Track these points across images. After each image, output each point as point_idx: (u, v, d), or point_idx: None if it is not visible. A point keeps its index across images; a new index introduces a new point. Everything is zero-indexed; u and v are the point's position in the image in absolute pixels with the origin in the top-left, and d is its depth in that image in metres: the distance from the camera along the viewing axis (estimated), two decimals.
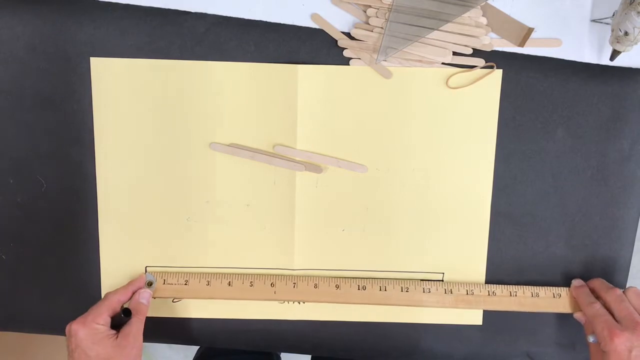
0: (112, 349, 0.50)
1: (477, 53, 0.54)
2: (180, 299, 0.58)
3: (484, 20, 0.53)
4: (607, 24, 0.52)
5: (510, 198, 0.57)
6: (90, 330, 0.50)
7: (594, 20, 0.54)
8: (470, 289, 0.57)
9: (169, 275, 0.56)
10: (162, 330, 0.59)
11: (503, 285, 0.58)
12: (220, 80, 0.54)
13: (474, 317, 0.59)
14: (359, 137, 0.56)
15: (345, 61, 0.54)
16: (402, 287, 0.57)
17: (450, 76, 0.54)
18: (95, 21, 0.53)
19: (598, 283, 0.56)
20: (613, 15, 0.50)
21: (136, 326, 0.52)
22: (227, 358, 0.74)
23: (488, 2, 0.52)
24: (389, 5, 0.52)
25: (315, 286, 0.56)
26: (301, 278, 0.57)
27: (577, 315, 0.56)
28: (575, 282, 0.57)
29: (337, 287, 0.56)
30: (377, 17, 0.52)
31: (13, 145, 0.56)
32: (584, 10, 0.54)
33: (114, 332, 0.51)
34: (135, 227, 0.57)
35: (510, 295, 0.57)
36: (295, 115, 0.55)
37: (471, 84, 0.55)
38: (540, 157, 0.56)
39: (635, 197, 0.57)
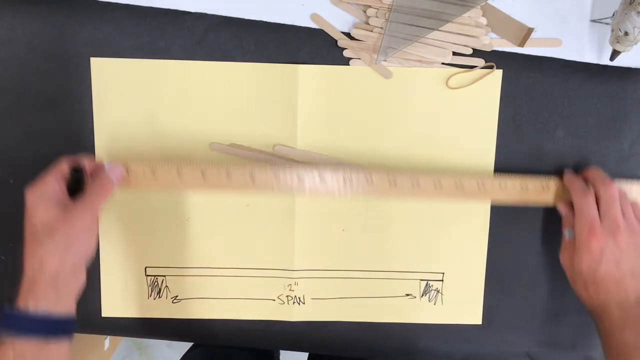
0: (57, 214, 0.45)
1: (477, 53, 0.54)
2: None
3: (484, 20, 0.53)
4: (607, 24, 0.52)
5: None
6: (38, 192, 0.46)
7: (594, 20, 0.54)
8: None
9: (132, 163, 0.53)
10: (163, 329, 0.59)
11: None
12: (220, 80, 0.54)
13: (474, 317, 0.60)
14: (359, 137, 0.56)
15: (345, 61, 0.54)
16: (390, 181, 0.54)
17: (450, 76, 0.54)
18: (95, 21, 0.53)
19: (595, 173, 0.53)
20: (613, 15, 0.50)
21: (93, 198, 0.47)
22: (225, 352, 0.73)
23: (488, 2, 0.52)
24: (389, 5, 0.52)
25: (299, 179, 0.53)
26: (283, 171, 0.54)
27: (561, 207, 0.55)
28: (568, 172, 0.55)
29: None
30: (377, 17, 0.52)
31: (13, 145, 0.56)
32: (584, 10, 0.54)
33: (64, 199, 0.47)
34: (135, 227, 0.57)
35: (500, 187, 0.54)
36: (295, 115, 0.55)
37: (471, 84, 0.55)
38: (540, 157, 0.56)
39: None
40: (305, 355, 0.83)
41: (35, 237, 0.45)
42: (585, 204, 0.51)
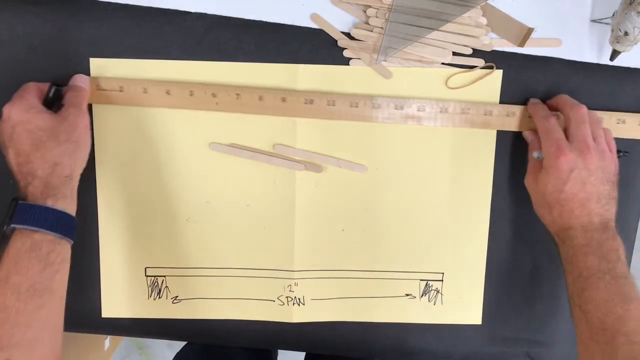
0: (53, 120, 0.47)
1: (477, 53, 0.54)
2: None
3: (484, 20, 0.53)
4: (607, 24, 0.52)
5: (510, 198, 0.57)
6: (23, 105, 0.47)
7: (594, 20, 0.54)
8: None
9: (102, 80, 0.53)
10: (163, 329, 0.59)
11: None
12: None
13: (474, 317, 0.60)
14: (359, 137, 0.56)
15: (345, 61, 0.54)
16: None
17: (450, 76, 0.54)
18: (95, 21, 0.53)
19: (564, 99, 0.53)
20: (613, 15, 0.50)
21: (77, 101, 0.50)
22: (222, 348, 0.73)
23: (488, 2, 0.52)
24: (389, 5, 0.52)
25: (260, 98, 0.54)
26: (244, 89, 0.54)
27: (526, 133, 0.54)
28: (533, 100, 0.54)
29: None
30: (377, 17, 0.52)
31: None
32: (584, 10, 0.54)
33: (47, 110, 0.48)
34: (135, 227, 0.57)
35: (463, 112, 0.54)
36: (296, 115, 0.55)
37: (471, 84, 0.55)
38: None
39: (635, 197, 0.57)
40: (303, 354, 0.83)
41: (39, 143, 0.46)
42: (550, 126, 0.50)
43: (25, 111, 0.47)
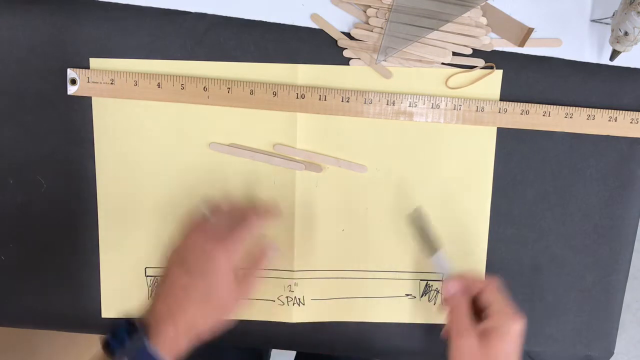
0: (235, 290, 0.45)
1: (477, 53, 0.54)
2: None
3: (484, 20, 0.53)
4: (607, 24, 0.52)
5: (510, 198, 0.57)
6: (230, 258, 0.44)
7: (594, 20, 0.54)
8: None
9: (93, 72, 0.53)
10: None
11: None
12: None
13: None
14: (359, 137, 0.56)
15: (345, 61, 0.54)
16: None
17: (450, 76, 0.54)
18: (95, 21, 0.53)
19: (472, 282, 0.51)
20: (613, 15, 0.50)
21: (251, 281, 0.47)
22: (215, 349, 0.73)
23: (488, 2, 0.52)
24: (389, 5, 0.52)
25: (252, 92, 0.53)
26: (236, 83, 0.54)
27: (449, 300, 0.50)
28: (450, 294, 0.50)
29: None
30: (377, 17, 0.52)
31: (13, 146, 0.56)
32: (584, 10, 0.54)
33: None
34: (135, 227, 0.57)
35: (455, 108, 0.54)
36: (295, 115, 0.55)
37: (471, 84, 0.55)
38: (540, 157, 0.56)
39: (635, 197, 0.57)
40: (293, 355, 0.82)
41: (208, 299, 0.44)
42: (500, 294, 0.49)
43: (228, 264, 0.45)
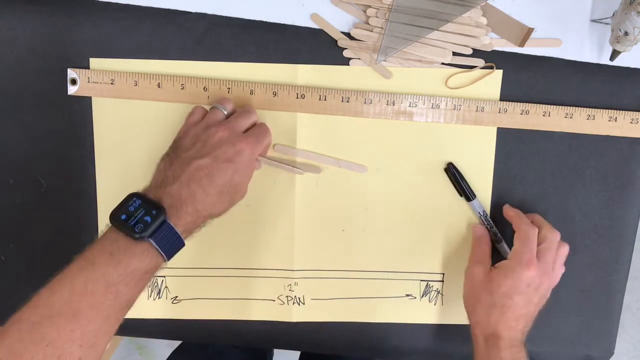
0: (245, 182, 0.49)
1: (477, 53, 0.54)
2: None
3: (484, 20, 0.53)
4: (607, 24, 0.52)
5: (510, 198, 0.57)
6: (254, 155, 0.49)
7: (594, 20, 0.54)
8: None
9: (93, 72, 0.54)
10: (163, 329, 0.59)
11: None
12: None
13: None
14: (359, 137, 0.56)
15: (345, 61, 0.54)
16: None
17: (450, 76, 0.54)
18: (95, 21, 0.53)
19: (541, 220, 0.55)
20: (613, 15, 0.50)
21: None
22: (217, 349, 0.73)
23: (488, 2, 0.52)
24: (389, 5, 0.52)
25: (252, 92, 0.54)
26: (236, 83, 0.54)
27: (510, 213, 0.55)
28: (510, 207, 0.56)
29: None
30: (377, 17, 0.52)
31: (13, 145, 0.56)
32: (584, 10, 0.54)
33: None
34: None
35: (455, 108, 0.56)
36: (295, 115, 0.55)
37: (471, 84, 0.55)
38: (540, 157, 0.56)
39: (634, 196, 0.57)
40: (297, 355, 0.83)
41: (228, 187, 0.47)
42: (532, 234, 0.52)
43: (250, 164, 0.49)
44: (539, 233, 0.52)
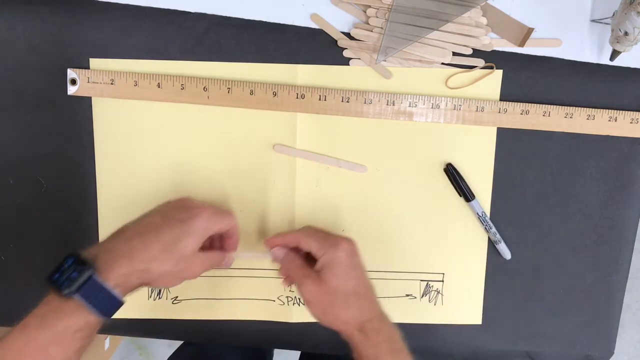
0: (196, 248, 0.46)
1: (477, 53, 0.54)
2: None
3: (484, 20, 0.53)
4: (607, 24, 0.52)
5: (510, 198, 0.57)
6: (209, 226, 0.47)
7: (594, 20, 0.54)
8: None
9: (93, 73, 0.54)
10: (163, 329, 0.59)
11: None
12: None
13: (474, 317, 0.60)
14: (359, 137, 0.56)
15: (345, 61, 0.54)
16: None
17: (450, 76, 0.54)
18: (95, 21, 0.53)
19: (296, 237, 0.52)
20: (613, 15, 0.50)
21: (215, 260, 0.50)
22: (217, 349, 0.73)
23: (488, 2, 0.52)
24: (389, 5, 0.52)
25: (252, 92, 0.54)
26: (236, 83, 0.54)
27: (275, 252, 0.52)
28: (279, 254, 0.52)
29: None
30: (377, 17, 0.52)
31: (13, 146, 0.56)
32: (584, 10, 0.54)
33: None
34: None
35: (455, 108, 0.55)
36: (295, 115, 0.55)
37: (471, 84, 0.55)
38: (540, 157, 0.56)
39: (634, 196, 0.57)
40: (297, 355, 0.82)
41: (171, 249, 0.45)
42: (308, 229, 0.52)
43: (205, 225, 0.46)
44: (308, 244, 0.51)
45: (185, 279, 0.48)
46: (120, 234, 0.46)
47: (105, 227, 0.57)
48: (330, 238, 0.50)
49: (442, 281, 0.59)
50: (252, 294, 0.59)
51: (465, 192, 0.56)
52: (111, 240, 0.45)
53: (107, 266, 0.43)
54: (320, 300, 0.48)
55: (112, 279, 0.42)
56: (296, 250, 0.52)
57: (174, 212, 0.47)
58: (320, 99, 0.54)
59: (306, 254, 0.51)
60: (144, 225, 0.46)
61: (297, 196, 0.57)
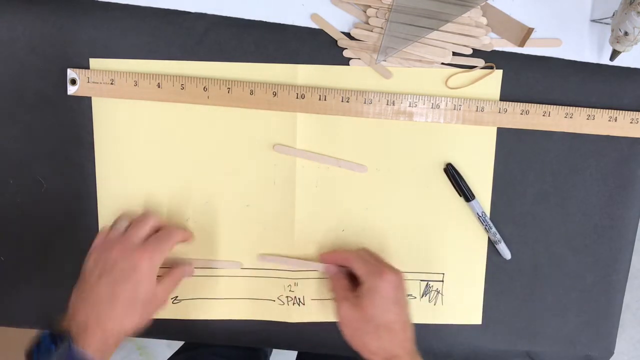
0: (154, 290, 0.49)
1: (477, 53, 0.54)
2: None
3: (484, 20, 0.53)
4: (607, 24, 0.52)
5: (510, 198, 0.57)
6: (156, 262, 0.49)
7: (594, 20, 0.54)
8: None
9: (93, 73, 0.54)
10: (163, 329, 0.59)
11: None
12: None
13: (474, 317, 0.60)
14: (359, 137, 0.56)
15: (345, 61, 0.54)
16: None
17: (450, 76, 0.54)
18: (95, 21, 0.53)
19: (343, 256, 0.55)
20: (613, 15, 0.50)
21: (172, 285, 0.53)
22: (212, 350, 0.73)
23: (488, 2, 0.52)
24: (389, 5, 0.52)
25: (252, 92, 0.54)
26: (236, 83, 0.54)
27: (329, 268, 0.56)
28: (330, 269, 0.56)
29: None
30: (377, 17, 0.52)
31: (13, 146, 0.56)
32: (584, 10, 0.54)
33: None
34: None
35: (455, 108, 0.56)
36: (295, 115, 0.55)
37: (471, 84, 0.55)
38: (540, 157, 0.56)
39: (635, 197, 0.57)
40: (294, 355, 0.83)
41: (134, 301, 0.48)
42: (359, 252, 0.54)
43: (153, 268, 0.49)
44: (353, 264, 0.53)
45: (158, 309, 0.51)
46: (80, 301, 0.48)
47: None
48: (378, 266, 0.51)
49: (442, 281, 0.59)
50: (252, 294, 0.59)
51: (465, 192, 0.56)
52: (74, 311, 0.47)
53: (83, 337, 0.45)
54: (353, 325, 0.50)
55: (90, 347, 0.44)
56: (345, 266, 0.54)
57: (119, 271, 0.48)
58: (320, 99, 0.54)
59: (354, 275, 0.53)
60: (96, 295, 0.48)
61: (297, 196, 0.57)
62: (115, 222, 0.53)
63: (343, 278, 0.53)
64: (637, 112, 0.55)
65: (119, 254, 0.49)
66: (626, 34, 0.48)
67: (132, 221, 0.53)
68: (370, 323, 0.49)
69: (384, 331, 0.48)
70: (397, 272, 0.50)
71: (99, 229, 0.57)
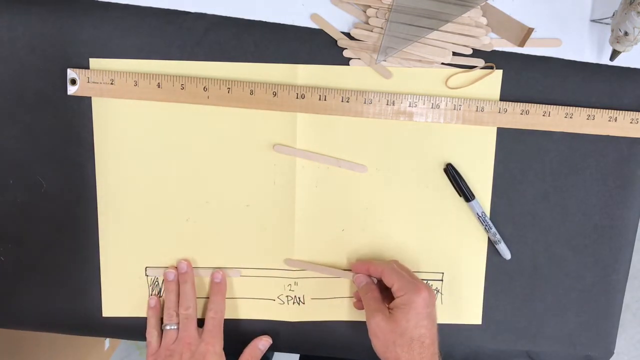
0: None
1: (477, 53, 0.54)
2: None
3: (484, 20, 0.53)
4: (607, 24, 0.52)
5: (510, 198, 0.57)
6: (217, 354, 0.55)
7: (594, 20, 0.54)
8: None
9: (92, 73, 0.54)
10: None
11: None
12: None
13: (474, 317, 0.60)
14: (359, 137, 0.56)
15: (345, 61, 0.54)
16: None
17: (450, 76, 0.54)
18: (95, 21, 0.53)
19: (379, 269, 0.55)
20: (613, 15, 0.50)
21: None
22: None
23: (488, 2, 0.52)
24: (389, 5, 0.52)
25: (252, 92, 0.54)
26: (236, 83, 0.54)
27: (358, 277, 0.56)
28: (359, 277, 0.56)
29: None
30: (377, 17, 0.52)
31: (13, 146, 0.56)
32: (584, 10, 0.54)
33: None
34: (135, 227, 0.57)
35: (455, 108, 0.56)
36: (295, 115, 0.55)
37: (471, 84, 0.55)
38: (540, 157, 0.56)
39: (634, 197, 0.57)
40: (297, 355, 0.82)
41: None
42: (394, 265, 0.54)
43: (219, 349, 0.56)
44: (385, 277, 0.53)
45: None
46: None
47: (105, 227, 0.57)
48: (413, 282, 0.51)
49: (442, 281, 0.59)
50: (252, 293, 0.59)
51: (465, 192, 0.56)
52: None
53: None
54: (386, 337, 0.50)
55: None
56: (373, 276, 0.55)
57: None
58: (320, 99, 0.54)
59: (383, 286, 0.54)
60: None
61: (297, 196, 0.57)
62: (164, 328, 0.57)
63: (375, 289, 0.54)
64: (637, 112, 0.55)
65: (186, 356, 0.54)
66: (626, 34, 0.48)
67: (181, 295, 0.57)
68: (402, 336, 0.50)
69: (415, 344, 0.49)
70: (430, 289, 0.51)
71: (99, 228, 0.57)
